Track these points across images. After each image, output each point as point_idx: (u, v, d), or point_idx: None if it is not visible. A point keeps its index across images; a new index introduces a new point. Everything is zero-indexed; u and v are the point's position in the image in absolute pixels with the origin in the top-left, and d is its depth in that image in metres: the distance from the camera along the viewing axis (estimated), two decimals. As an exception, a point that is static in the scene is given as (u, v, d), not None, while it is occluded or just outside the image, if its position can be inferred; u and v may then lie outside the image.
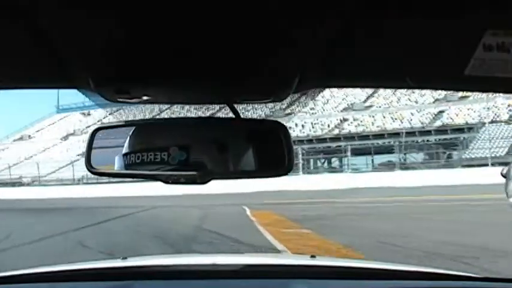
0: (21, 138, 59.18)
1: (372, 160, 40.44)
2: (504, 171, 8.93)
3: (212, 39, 0.92)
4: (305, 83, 1.11)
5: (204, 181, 1.15)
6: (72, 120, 58.04)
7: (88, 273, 1.88)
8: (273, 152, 1.16)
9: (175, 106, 40.82)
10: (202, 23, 0.86)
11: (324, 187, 28.91)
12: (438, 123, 37.87)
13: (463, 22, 0.91)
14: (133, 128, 1.21)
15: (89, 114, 58.98)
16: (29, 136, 59.33)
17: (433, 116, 38.79)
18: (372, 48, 0.99)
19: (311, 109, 46.22)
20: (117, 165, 1.19)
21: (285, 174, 1.17)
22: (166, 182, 1.15)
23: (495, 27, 0.91)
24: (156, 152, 1.15)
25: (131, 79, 1.05)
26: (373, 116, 42.08)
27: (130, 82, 1.06)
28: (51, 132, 57.65)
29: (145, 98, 1.14)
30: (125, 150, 1.18)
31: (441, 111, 38.55)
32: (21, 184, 43.25)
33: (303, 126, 44.02)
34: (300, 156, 38.05)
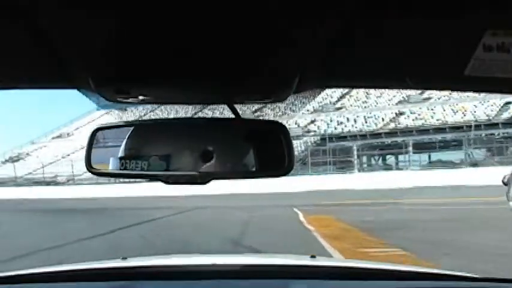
0: (59, 136, 58.51)
1: (429, 156, 39.55)
2: (506, 179, 9.76)
3: (212, 39, 0.94)
4: (305, 83, 1.12)
5: (204, 181, 1.17)
6: (112, 117, 56.91)
7: (88, 273, 1.92)
8: (273, 152, 1.18)
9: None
10: (202, 23, 0.88)
11: (382, 186, 27.61)
12: (505, 115, 36.06)
13: (463, 22, 0.93)
14: (133, 128, 1.23)
15: (125, 110, 57.68)
16: (68, 134, 59.59)
17: (499, 107, 36.95)
18: (372, 48, 1.02)
19: (363, 102, 43.29)
20: (113, 166, 1.21)
21: (285, 174, 1.18)
22: (167, 182, 1.17)
23: (495, 27, 0.93)
24: (156, 152, 1.17)
25: (131, 79, 1.08)
26: (432, 109, 40.27)
27: (131, 82, 1.09)
28: (90, 130, 56.34)
29: (145, 98, 1.16)
30: (124, 150, 1.20)
31: (508, 103, 36.53)
32: (56, 183, 41.68)
33: (355, 120, 42.71)
34: (355, 152, 36.16)
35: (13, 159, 52.31)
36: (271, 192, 24.04)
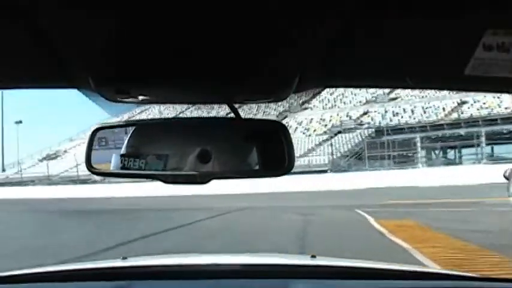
0: (97, 133, 57.81)
1: (492, 149, 38.31)
2: (507, 173, 9.72)
3: (212, 39, 0.97)
4: (305, 83, 1.14)
5: (204, 181, 1.20)
6: (153, 113, 55.77)
7: (88, 273, 1.96)
8: (273, 151, 1.20)
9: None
10: (202, 22, 0.90)
11: (447, 182, 26.01)
12: None
13: (463, 22, 0.94)
14: (134, 127, 1.26)
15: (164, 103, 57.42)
16: (106, 130, 57.85)
17: None
18: (372, 48, 1.04)
19: (420, 92, 41.53)
20: (114, 165, 1.23)
21: (285, 174, 1.20)
22: (166, 182, 1.20)
23: (495, 27, 0.95)
24: (156, 152, 1.20)
25: (131, 79, 1.10)
26: (498, 97, 37.89)
27: (131, 82, 1.11)
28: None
29: (145, 98, 1.18)
30: (124, 150, 1.23)
31: None
32: (92, 181, 43.02)
33: (412, 111, 41.18)
34: (419, 145, 34.33)
35: (50, 157, 52.35)
36: (322, 190, 22.26)
